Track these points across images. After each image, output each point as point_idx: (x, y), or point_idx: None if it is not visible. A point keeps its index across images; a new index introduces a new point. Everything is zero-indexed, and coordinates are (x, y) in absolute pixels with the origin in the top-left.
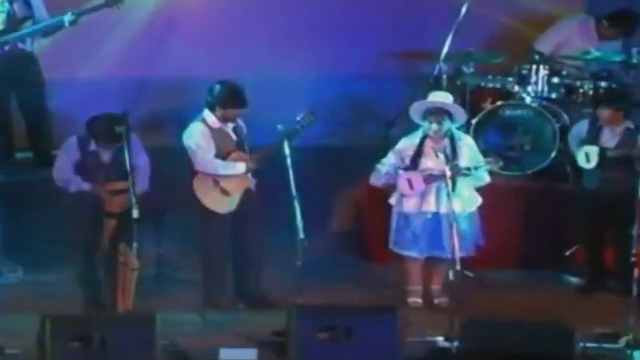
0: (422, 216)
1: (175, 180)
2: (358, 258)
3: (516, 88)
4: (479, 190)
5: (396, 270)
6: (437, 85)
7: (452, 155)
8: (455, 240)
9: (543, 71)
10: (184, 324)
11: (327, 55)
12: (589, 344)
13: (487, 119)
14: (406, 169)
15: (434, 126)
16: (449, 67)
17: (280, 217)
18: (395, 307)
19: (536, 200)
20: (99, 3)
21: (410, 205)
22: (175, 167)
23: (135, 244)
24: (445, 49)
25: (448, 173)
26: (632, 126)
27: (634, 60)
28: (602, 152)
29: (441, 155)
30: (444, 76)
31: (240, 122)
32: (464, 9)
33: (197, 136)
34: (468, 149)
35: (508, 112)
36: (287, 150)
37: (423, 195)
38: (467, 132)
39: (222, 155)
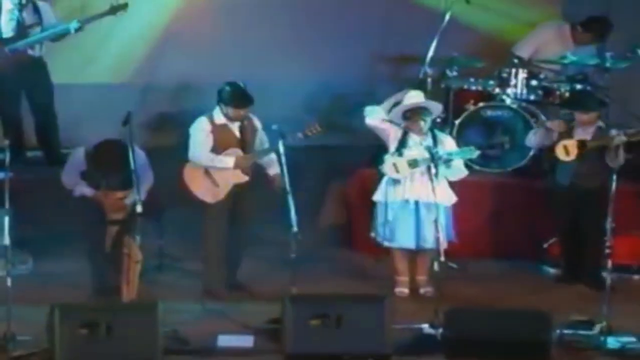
0: (406, 208)
1: (175, 177)
2: (348, 250)
3: (497, 90)
4: (464, 185)
5: (384, 261)
6: (421, 88)
7: (434, 145)
8: (440, 233)
9: (522, 74)
10: (185, 312)
11: (320, 60)
12: (565, 331)
13: (469, 119)
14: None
15: (421, 123)
16: (434, 71)
17: (275, 212)
18: (383, 296)
19: (515, 196)
20: (103, 11)
21: (395, 196)
22: (176, 165)
23: (138, 238)
24: (431, 54)
25: (430, 158)
26: (603, 125)
27: (608, 64)
28: (581, 143)
29: (424, 144)
30: (429, 79)
31: (255, 122)
32: (447, 17)
33: (197, 129)
34: (448, 141)
35: (489, 113)
36: (281, 149)
37: (407, 186)
38: (451, 131)
39: (220, 150)
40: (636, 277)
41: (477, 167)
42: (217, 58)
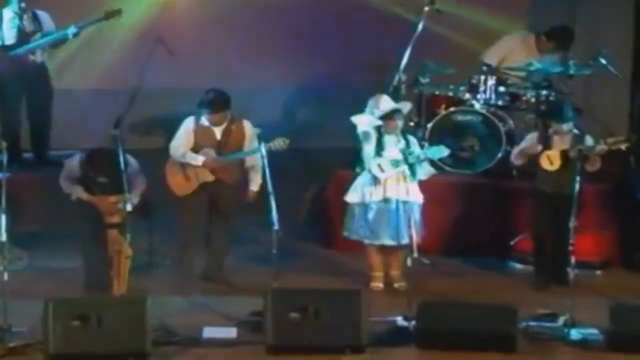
0: (387, 207)
1: (163, 178)
2: (326, 247)
3: (467, 96)
4: (436, 186)
5: (360, 258)
6: (396, 93)
7: (406, 147)
8: (413, 230)
9: (491, 81)
10: (172, 306)
11: (299, 67)
12: (530, 323)
13: (441, 123)
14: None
15: (398, 123)
16: (408, 77)
17: (258, 211)
18: (359, 290)
19: (484, 196)
20: (98, 17)
21: (376, 196)
22: (163, 166)
23: (128, 235)
24: (405, 62)
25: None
26: (578, 133)
27: (571, 72)
28: (564, 153)
29: (399, 146)
30: (404, 85)
31: (245, 128)
32: (420, 26)
33: (182, 126)
34: (415, 142)
35: (460, 117)
36: (264, 152)
37: (387, 186)
38: (423, 134)
39: (198, 148)
40: (598, 272)
41: (448, 169)
42: (202, 65)
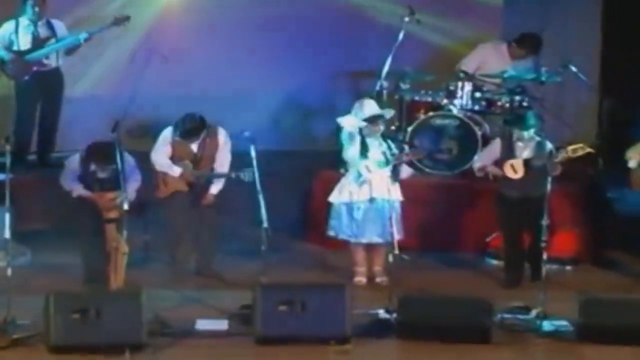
0: (374, 205)
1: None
2: (312, 244)
3: (445, 101)
4: (416, 186)
5: (344, 254)
6: (378, 99)
7: (388, 149)
8: (394, 227)
9: (467, 87)
10: (166, 299)
11: (285, 74)
12: (505, 316)
13: (420, 127)
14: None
15: (381, 127)
16: (389, 84)
17: (247, 209)
18: (343, 284)
19: (461, 195)
20: (108, 23)
21: (362, 195)
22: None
23: (125, 232)
24: (386, 69)
25: (388, 159)
26: (540, 139)
27: (543, 78)
28: (526, 162)
29: (381, 148)
30: (385, 91)
31: (220, 139)
32: (401, 35)
33: (161, 137)
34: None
35: (438, 121)
36: (253, 153)
37: (373, 186)
38: (403, 137)
39: (176, 159)
40: (568, 268)
41: (427, 170)
42: (194, 72)
